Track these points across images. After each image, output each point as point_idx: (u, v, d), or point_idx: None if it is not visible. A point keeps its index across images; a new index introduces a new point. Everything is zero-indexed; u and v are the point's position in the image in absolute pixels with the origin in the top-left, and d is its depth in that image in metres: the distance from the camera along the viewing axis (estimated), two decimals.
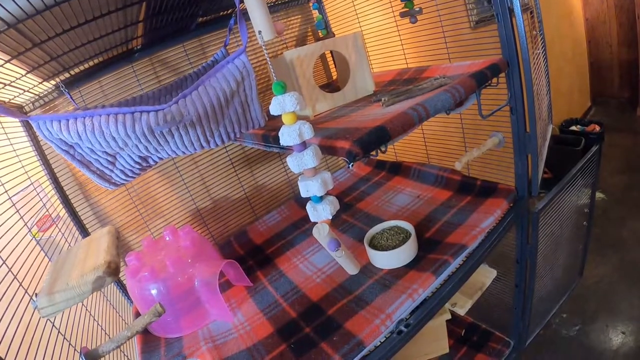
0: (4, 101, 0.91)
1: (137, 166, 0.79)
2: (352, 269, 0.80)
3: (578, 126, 2.35)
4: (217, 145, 0.75)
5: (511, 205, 0.96)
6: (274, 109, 0.57)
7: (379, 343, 0.73)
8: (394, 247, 0.84)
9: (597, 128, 2.31)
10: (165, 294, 0.89)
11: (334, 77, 1.33)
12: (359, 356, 0.69)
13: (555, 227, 1.21)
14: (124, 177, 0.80)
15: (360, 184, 1.22)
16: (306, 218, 1.14)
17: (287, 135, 0.59)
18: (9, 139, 0.92)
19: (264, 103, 1.16)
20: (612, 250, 2.04)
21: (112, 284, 1.06)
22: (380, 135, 0.62)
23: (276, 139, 0.79)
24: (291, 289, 0.89)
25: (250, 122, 0.75)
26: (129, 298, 1.09)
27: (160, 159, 0.79)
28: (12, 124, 0.97)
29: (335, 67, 1.26)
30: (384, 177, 1.20)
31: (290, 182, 1.35)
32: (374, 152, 0.64)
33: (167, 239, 1.00)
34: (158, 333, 0.94)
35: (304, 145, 0.60)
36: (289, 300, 0.86)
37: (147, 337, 0.94)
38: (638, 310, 1.69)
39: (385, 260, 0.84)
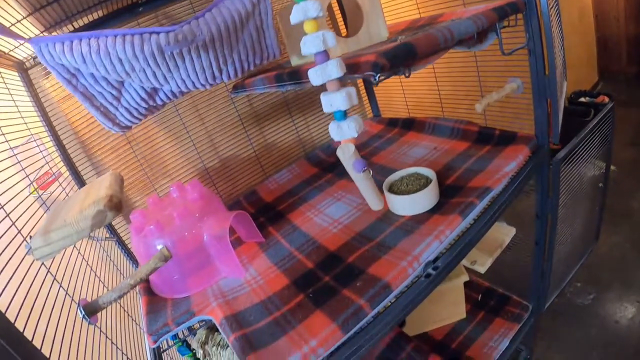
0: (3, 52, 0.86)
1: (144, 104, 0.74)
2: (375, 203, 0.75)
3: (587, 98, 2.30)
4: (229, 77, 0.69)
5: (533, 152, 0.91)
6: (295, 17, 0.53)
7: (406, 288, 0.68)
8: (414, 192, 0.80)
9: (606, 99, 2.26)
10: (172, 250, 0.84)
11: (343, 34, 1.28)
12: (387, 300, 0.65)
13: (574, 183, 1.17)
14: (129, 116, 0.75)
15: (372, 141, 1.17)
16: (319, 175, 1.09)
17: (311, 43, 0.55)
18: (9, 92, 0.87)
19: None
20: (623, 220, 2.01)
21: (116, 247, 1.02)
22: (408, 50, 0.57)
23: (291, 75, 0.74)
24: (306, 240, 0.85)
25: (265, 52, 0.70)
26: (134, 262, 1.05)
27: (168, 97, 0.74)
28: (13, 79, 0.92)
29: (345, 21, 1.21)
30: (397, 134, 1.15)
31: (301, 141, 1.30)
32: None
33: (174, 195, 0.95)
34: (164, 294, 0.89)
35: (326, 55, 0.56)
36: (304, 252, 0.82)
37: (153, 298, 0.89)
38: None
39: (407, 205, 0.80)
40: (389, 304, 0.66)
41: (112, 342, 0.80)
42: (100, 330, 0.77)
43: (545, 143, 0.95)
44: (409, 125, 1.16)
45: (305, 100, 1.28)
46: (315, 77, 0.56)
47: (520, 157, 0.88)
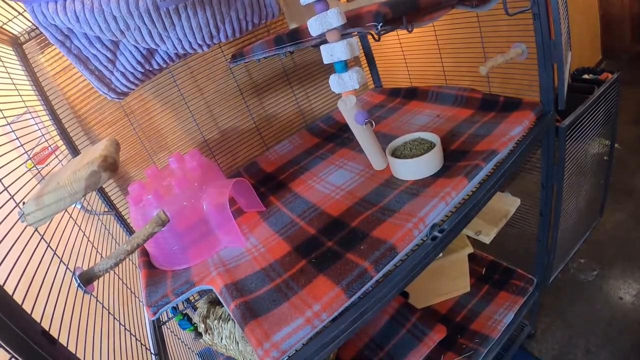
0: None
1: (140, 67, 0.71)
2: (378, 161, 0.73)
3: (590, 75, 2.27)
4: (227, 37, 0.67)
5: (538, 117, 0.89)
6: None
7: (411, 251, 0.67)
8: (419, 156, 0.78)
9: (610, 76, 2.23)
10: (171, 220, 0.82)
11: None
12: (392, 262, 0.63)
13: (579, 154, 1.15)
14: (125, 81, 0.72)
15: (375, 110, 1.15)
16: (320, 145, 1.07)
17: None
18: (4, 66, 0.85)
19: None
20: (628, 198, 2.00)
21: (115, 222, 1.00)
22: (410, 2, 0.55)
23: (291, 35, 0.71)
24: (308, 208, 0.83)
25: (263, 10, 0.67)
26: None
27: (164, 61, 0.72)
28: (8, 54, 0.90)
29: None
30: (399, 103, 1.13)
31: (301, 112, 1.28)
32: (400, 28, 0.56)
33: (173, 166, 0.93)
34: (164, 267, 0.88)
35: (326, 4, 0.53)
36: (306, 219, 0.80)
37: (153, 272, 0.87)
38: None
39: (411, 169, 0.78)
40: (394, 267, 0.64)
41: (112, 316, 0.79)
42: (102, 304, 0.76)
43: (550, 109, 0.92)
44: (411, 94, 1.13)
45: (304, 72, 1.26)
46: (315, 26, 0.54)
47: (525, 121, 0.85)
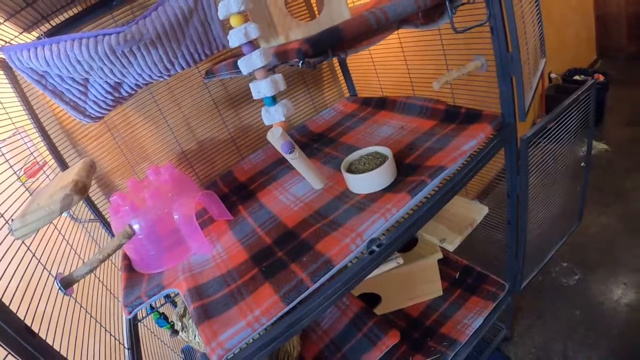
0: None
1: (110, 96, 0.78)
2: (316, 183, 0.79)
3: (582, 76, 2.27)
4: (182, 67, 0.73)
5: (497, 130, 0.92)
6: (221, 13, 0.56)
7: (350, 264, 0.72)
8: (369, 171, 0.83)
9: (602, 77, 2.22)
10: (146, 229, 0.89)
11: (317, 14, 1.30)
12: (328, 275, 0.68)
13: (549, 162, 1.17)
14: (98, 108, 0.80)
15: (345, 120, 1.20)
16: None
17: (235, 36, 0.59)
18: None
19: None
20: (615, 200, 1.99)
21: (101, 228, 1.08)
22: (332, 34, 0.60)
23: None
24: (269, 218, 0.89)
25: (213, 42, 0.74)
26: None
27: (132, 89, 0.79)
28: None
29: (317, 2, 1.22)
30: (369, 113, 1.18)
31: None
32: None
33: (151, 178, 1.00)
34: (142, 270, 0.95)
35: (252, 46, 0.59)
36: (266, 228, 0.86)
37: (131, 274, 0.95)
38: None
39: (362, 183, 0.83)
40: (331, 278, 0.69)
41: (90, 315, 0.86)
42: (80, 305, 0.83)
43: (511, 121, 0.95)
44: (381, 104, 1.18)
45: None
46: (243, 67, 0.60)
47: (481, 135, 0.89)
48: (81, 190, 0.68)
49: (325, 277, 0.67)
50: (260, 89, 0.59)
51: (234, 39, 0.56)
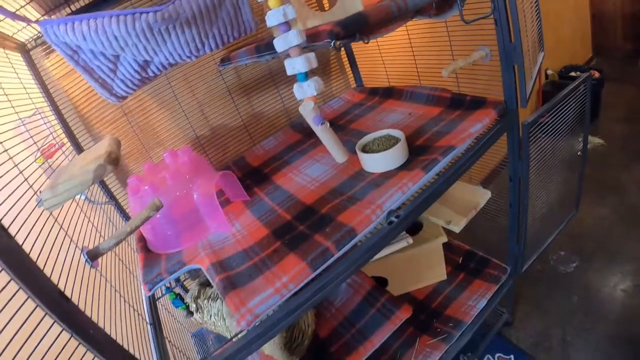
0: (8, 35, 0.93)
1: (137, 75, 0.81)
2: (339, 155, 0.82)
3: (577, 72, 2.34)
4: (211, 49, 0.77)
5: (500, 115, 0.97)
6: None
7: (370, 234, 0.76)
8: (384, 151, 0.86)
9: (597, 74, 2.29)
10: (165, 209, 0.92)
11: (326, 9, 1.34)
12: (351, 243, 0.72)
13: (547, 148, 1.22)
14: (124, 87, 0.82)
15: (354, 109, 1.24)
16: (302, 140, 1.17)
17: (273, 17, 0.62)
18: (15, 70, 0.95)
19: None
20: (611, 193, 2.05)
21: (115, 212, 1.10)
22: (360, 19, 0.64)
23: (268, 45, 0.81)
24: (286, 197, 0.92)
25: (242, 26, 0.77)
26: None
27: (159, 69, 0.81)
28: (17, 60, 0.99)
29: None
30: (377, 102, 1.22)
31: (286, 110, 1.38)
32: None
33: (167, 161, 1.02)
34: (158, 250, 0.97)
35: (288, 26, 0.63)
36: (284, 206, 0.90)
37: (148, 255, 0.96)
38: (635, 251, 1.71)
39: (377, 162, 0.86)
40: (354, 247, 0.73)
41: (114, 289, 0.89)
42: (104, 278, 0.86)
43: (513, 107, 1.00)
44: (388, 93, 1.22)
45: (285, 74, 1.34)
46: (279, 45, 0.63)
47: (486, 119, 0.94)
48: (114, 161, 0.70)
49: (349, 245, 0.70)
50: (295, 65, 0.63)
51: (273, 19, 0.60)
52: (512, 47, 0.95)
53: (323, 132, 0.77)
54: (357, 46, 1.42)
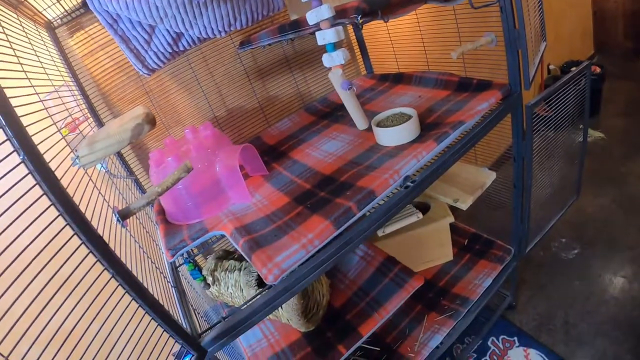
0: (37, 10, 0.98)
1: (169, 48, 0.86)
2: (361, 121, 0.87)
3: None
4: (241, 25, 0.82)
5: (505, 96, 1.02)
6: None
7: (387, 197, 0.80)
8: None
9: (598, 69, 2.35)
10: (188, 180, 0.96)
11: None
12: (372, 204, 0.77)
13: (550, 132, 1.27)
14: (156, 59, 0.88)
15: (366, 92, 1.29)
16: (316, 122, 1.22)
17: None
18: (45, 45, 0.99)
19: None
20: (610, 184, 2.10)
21: (135, 188, 1.15)
22: None
23: (292, 25, 0.86)
24: (305, 170, 0.97)
25: (271, 4, 0.83)
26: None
27: (189, 44, 0.86)
28: (44, 36, 1.04)
29: None
30: (387, 87, 1.27)
31: (300, 94, 1.43)
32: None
33: (188, 137, 1.07)
34: (179, 222, 1.01)
35: (320, 1, 0.68)
36: (303, 177, 0.94)
37: (169, 226, 1.00)
38: (635, 239, 1.76)
39: (391, 136, 0.91)
40: (374, 208, 0.78)
41: (142, 250, 0.92)
42: (134, 238, 0.89)
43: (517, 89, 1.05)
44: (398, 79, 1.27)
45: (304, 58, 1.41)
46: (311, 17, 0.69)
47: (492, 99, 0.99)
48: (152, 121, 0.74)
49: (370, 205, 0.75)
50: (326, 36, 0.70)
51: None
52: (516, 33, 1.01)
53: (349, 97, 0.82)
54: (367, 34, 1.47)
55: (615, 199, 2.01)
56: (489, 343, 1.53)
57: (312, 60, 1.43)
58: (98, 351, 0.63)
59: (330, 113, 1.25)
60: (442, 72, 1.19)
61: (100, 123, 1.10)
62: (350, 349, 0.90)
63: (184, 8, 0.72)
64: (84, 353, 0.61)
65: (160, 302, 0.81)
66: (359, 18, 0.68)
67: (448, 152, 0.87)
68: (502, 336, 1.55)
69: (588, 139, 2.41)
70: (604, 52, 3.22)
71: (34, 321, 0.52)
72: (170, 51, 0.84)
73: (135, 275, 0.69)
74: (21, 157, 0.48)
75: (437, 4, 0.91)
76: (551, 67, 2.55)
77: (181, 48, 0.85)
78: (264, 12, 0.80)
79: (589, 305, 1.59)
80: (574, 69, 2.39)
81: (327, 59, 0.74)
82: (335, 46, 0.73)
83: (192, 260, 1.08)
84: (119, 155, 1.13)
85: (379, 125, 0.96)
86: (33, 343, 0.52)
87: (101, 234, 0.60)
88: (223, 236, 0.90)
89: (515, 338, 1.53)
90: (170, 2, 0.70)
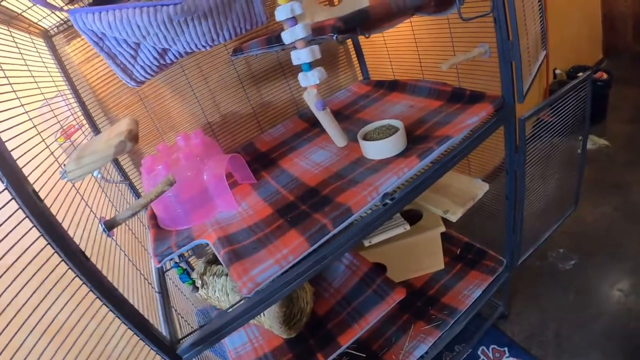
0: (33, 21, 1.00)
1: (156, 62, 0.87)
2: (339, 140, 0.88)
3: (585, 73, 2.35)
4: (225, 39, 0.82)
5: (497, 109, 1.01)
6: None
7: (365, 213, 0.81)
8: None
9: (605, 75, 2.30)
10: (177, 187, 0.98)
11: (336, 3, 1.39)
12: (347, 221, 0.78)
13: (546, 145, 1.26)
14: (143, 72, 0.89)
15: (360, 100, 1.29)
16: (308, 129, 1.22)
17: (281, 12, 0.68)
18: (40, 55, 1.01)
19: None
20: (614, 192, 2.06)
21: (129, 192, 1.17)
22: (361, 15, 0.70)
23: (278, 38, 0.87)
24: (291, 180, 0.98)
25: (254, 18, 0.83)
26: None
27: (175, 57, 0.87)
28: (40, 45, 1.06)
29: None
30: (382, 94, 1.27)
31: (294, 100, 1.44)
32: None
33: (180, 144, 1.09)
34: (169, 227, 1.03)
35: (295, 20, 0.68)
36: (288, 188, 0.95)
37: (159, 231, 1.03)
38: (635, 250, 1.72)
39: (376, 149, 0.91)
40: (351, 225, 0.78)
41: (128, 258, 0.95)
42: (119, 247, 0.92)
43: (510, 102, 1.04)
44: (393, 86, 1.27)
45: (298, 65, 1.40)
46: (286, 37, 0.69)
47: (483, 113, 0.98)
48: (134, 138, 0.76)
49: (345, 222, 0.76)
50: (300, 56, 0.70)
51: (281, 14, 0.67)
52: (509, 45, 0.99)
53: (324, 117, 0.83)
54: (364, 41, 1.46)
55: (618, 208, 1.97)
56: (479, 352, 1.53)
57: None
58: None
59: None
60: (436, 81, 1.18)
61: (96, 129, 1.13)
62: (328, 358, 0.92)
63: (165, 26, 0.73)
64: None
65: (142, 308, 0.84)
66: (334, 37, 0.68)
67: (431, 168, 0.87)
68: (492, 346, 1.55)
69: (592, 146, 2.37)
70: (613, 56, 3.14)
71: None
72: (157, 64, 0.86)
73: (117, 282, 0.72)
74: None
75: (424, 15, 0.90)
76: (557, 71, 2.51)
77: (168, 61, 0.86)
78: (247, 27, 0.81)
79: (584, 317, 1.57)
80: (580, 74, 2.35)
81: (302, 78, 0.74)
82: (311, 66, 0.74)
83: (180, 265, 1.11)
84: (115, 160, 1.15)
85: (366, 137, 0.97)
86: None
87: (89, 242, 0.63)
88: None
89: (506, 348, 1.52)
90: (150, 21, 0.71)
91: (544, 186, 1.35)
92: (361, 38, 1.45)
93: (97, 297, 0.63)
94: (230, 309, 0.75)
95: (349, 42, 1.48)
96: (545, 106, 1.14)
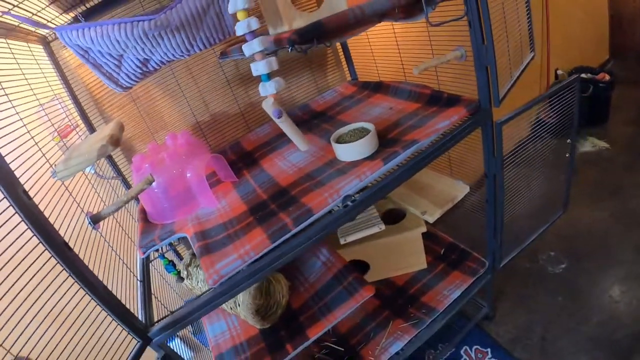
0: (31, 30, 1.07)
1: (139, 70, 0.94)
2: (301, 145, 0.93)
3: (588, 74, 2.32)
4: (200, 49, 0.88)
5: (472, 113, 1.03)
6: (231, 8, 0.70)
7: (326, 214, 0.85)
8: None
9: (607, 77, 2.27)
10: (162, 185, 1.05)
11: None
12: (308, 221, 0.82)
13: (529, 149, 1.26)
14: (128, 79, 0.96)
15: (344, 101, 1.34)
16: None
17: (240, 27, 0.74)
18: (37, 61, 1.08)
19: None
20: (611, 196, 2.03)
21: (122, 187, 1.24)
22: (316, 27, 0.75)
23: None
24: (267, 179, 1.03)
25: (225, 29, 0.89)
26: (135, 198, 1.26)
27: (157, 64, 0.94)
28: (38, 51, 1.13)
29: None
30: (366, 95, 1.31)
31: (282, 100, 1.49)
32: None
33: (168, 143, 1.15)
34: (156, 221, 1.10)
35: (253, 34, 0.73)
36: (263, 187, 1.00)
37: (147, 224, 1.09)
38: (628, 255, 1.71)
39: (346, 152, 0.95)
40: (311, 224, 0.83)
41: (112, 249, 1.02)
42: (104, 238, 0.99)
43: (486, 105, 1.05)
44: (377, 88, 1.30)
45: (286, 65, 1.46)
46: (246, 50, 0.75)
47: (455, 117, 1.00)
48: (115, 142, 0.83)
49: (306, 222, 0.80)
50: (258, 67, 0.76)
51: (240, 29, 0.73)
52: (484, 48, 1.00)
53: (283, 124, 0.88)
54: (352, 42, 1.50)
55: (614, 213, 1.95)
56: (461, 352, 1.56)
57: (294, 67, 1.48)
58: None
59: (307, 121, 1.30)
60: (417, 84, 1.21)
61: (91, 128, 1.20)
62: (296, 349, 0.97)
63: (142, 40, 0.79)
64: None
65: (126, 296, 0.91)
66: (290, 49, 0.73)
67: (396, 171, 0.91)
68: (475, 346, 1.57)
69: (592, 148, 2.35)
70: (620, 57, 3.07)
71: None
72: (141, 71, 0.92)
73: (103, 273, 0.79)
74: None
75: (392, 22, 0.93)
76: (559, 72, 2.47)
77: (151, 69, 0.92)
78: (220, 37, 0.86)
79: (571, 322, 1.56)
80: (584, 75, 2.32)
81: (261, 88, 0.80)
82: (270, 76, 0.79)
83: (166, 257, 1.17)
84: (109, 157, 1.22)
85: (339, 139, 1.01)
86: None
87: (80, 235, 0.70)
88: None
89: (489, 349, 1.54)
90: (128, 36, 0.78)
91: (532, 188, 1.35)
92: (350, 40, 1.49)
93: (75, 282, 0.70)
94: (197, 299, 0.81)
95: (338, 43, 1.52)
96: (522, 111, 1.15)
